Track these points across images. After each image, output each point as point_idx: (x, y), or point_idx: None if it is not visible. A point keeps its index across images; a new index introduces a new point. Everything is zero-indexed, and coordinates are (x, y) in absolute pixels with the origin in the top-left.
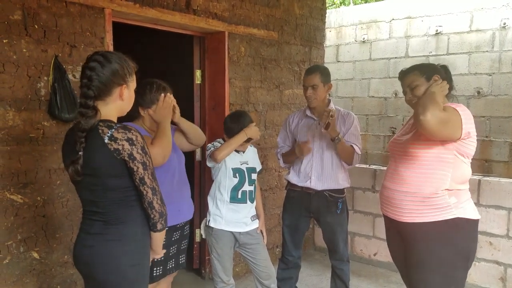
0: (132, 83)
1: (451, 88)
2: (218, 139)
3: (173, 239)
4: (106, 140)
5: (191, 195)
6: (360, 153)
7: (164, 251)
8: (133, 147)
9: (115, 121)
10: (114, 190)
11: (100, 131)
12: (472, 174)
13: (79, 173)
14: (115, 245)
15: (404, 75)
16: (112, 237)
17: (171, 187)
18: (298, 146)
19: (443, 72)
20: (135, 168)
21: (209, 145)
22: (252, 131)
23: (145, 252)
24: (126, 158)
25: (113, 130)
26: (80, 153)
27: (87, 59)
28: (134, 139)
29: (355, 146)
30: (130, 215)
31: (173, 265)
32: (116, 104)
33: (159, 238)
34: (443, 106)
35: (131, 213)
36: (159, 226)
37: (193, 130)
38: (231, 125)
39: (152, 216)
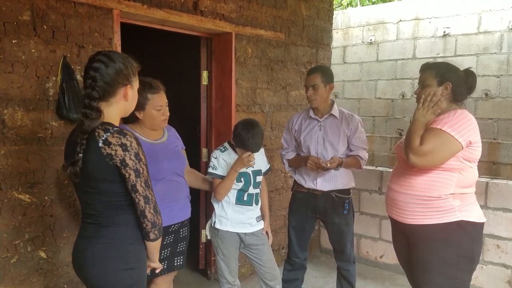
0: (136, 83)
1: (460, 95)
2: (220, 147)
3: (164, 242)
4: (100, 144)
5: (195, 195)
6: (367, 155)
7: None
8: (126, 153)
9: (116, 123)
10: (106, 194)
11: (96, 134)
12: (479, 177)
13: (78, 175)
14: (106, 248)
15: (423, 69)
16: (104, 240)
17: (166, 188)
18: (309, 159)
19: (461, 79)
20: (127, 175)
21: (211, 160)
22: (243, 163)
23: (140, 256)
24: (118, 164)
25: (108, 134)
26: (80, 155)
27: (90, 60)
28: (128, 144)
29: (361, 152)
30: (123, 219)
31: (165, 267)
32: (120, 105)
33: (152, 247)
34: (427, 128)
35: (124, 217)
36: (151, 236)
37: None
38: (241, 133)
39: (144, 225)
